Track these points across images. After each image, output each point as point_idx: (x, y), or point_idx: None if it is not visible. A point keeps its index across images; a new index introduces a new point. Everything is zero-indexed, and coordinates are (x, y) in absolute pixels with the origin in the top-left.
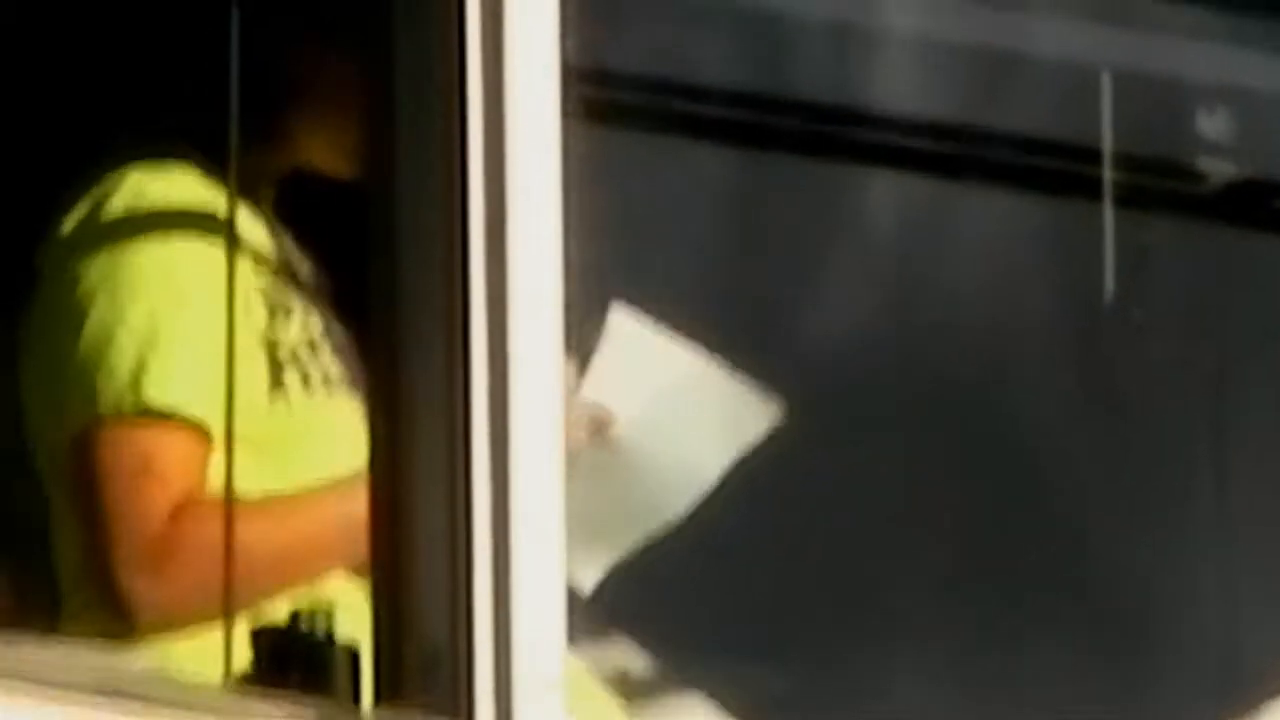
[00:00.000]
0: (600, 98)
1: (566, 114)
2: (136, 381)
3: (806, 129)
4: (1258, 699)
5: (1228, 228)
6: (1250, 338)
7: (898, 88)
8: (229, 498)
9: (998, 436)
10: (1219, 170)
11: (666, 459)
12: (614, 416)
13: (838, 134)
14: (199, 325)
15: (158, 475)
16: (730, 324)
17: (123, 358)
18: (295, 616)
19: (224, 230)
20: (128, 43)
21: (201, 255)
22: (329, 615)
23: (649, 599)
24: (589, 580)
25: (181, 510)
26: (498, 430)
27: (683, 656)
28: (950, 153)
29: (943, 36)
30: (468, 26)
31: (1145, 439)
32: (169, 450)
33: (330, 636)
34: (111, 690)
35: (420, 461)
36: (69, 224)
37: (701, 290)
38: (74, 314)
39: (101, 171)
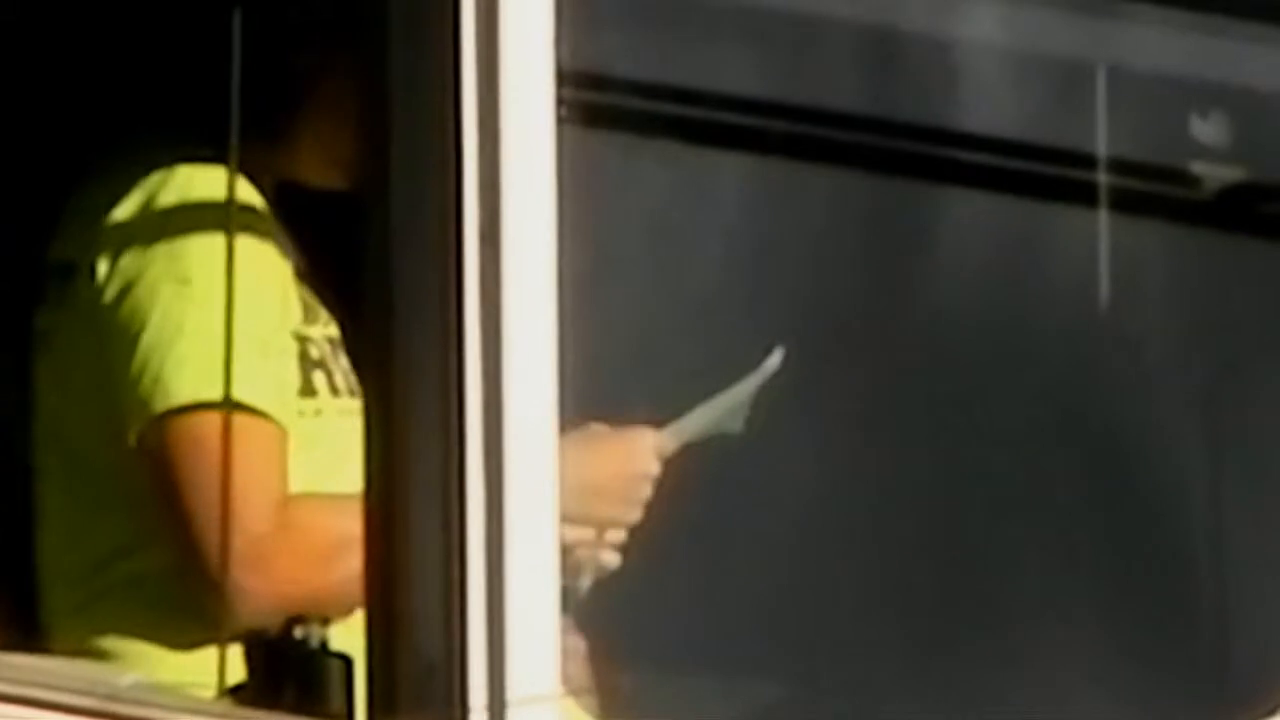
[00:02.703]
0: (595, 102)
1: (561, 118)
2: (214, 376)
3: (800, 131)
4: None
5: (1223, 232)
6: (1247, 344)
7: (900, 89)
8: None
9: (993, 440)
10: (1214, 175)
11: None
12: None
13: (830, 136)
14: (263, 323)
15: (262, 470)
16: (720, 329)
17: (197, 350)
18: (289, 627)
19: (270, 227)
20: (141, 44)
21: (257, 251)
22: (323, 626)
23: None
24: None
25: (283, 505)
26: (492, 442)
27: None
28: (957, 158)
29: (951, 38)
30: (462, 31)
31: (1140, 446)
32: (269, 445)
33: (324, 647)
34: (106, 703)
35: (415, 474)
36: (116, 218)
37: (696, 295)
38: (137, 308)
39: (131, 169)
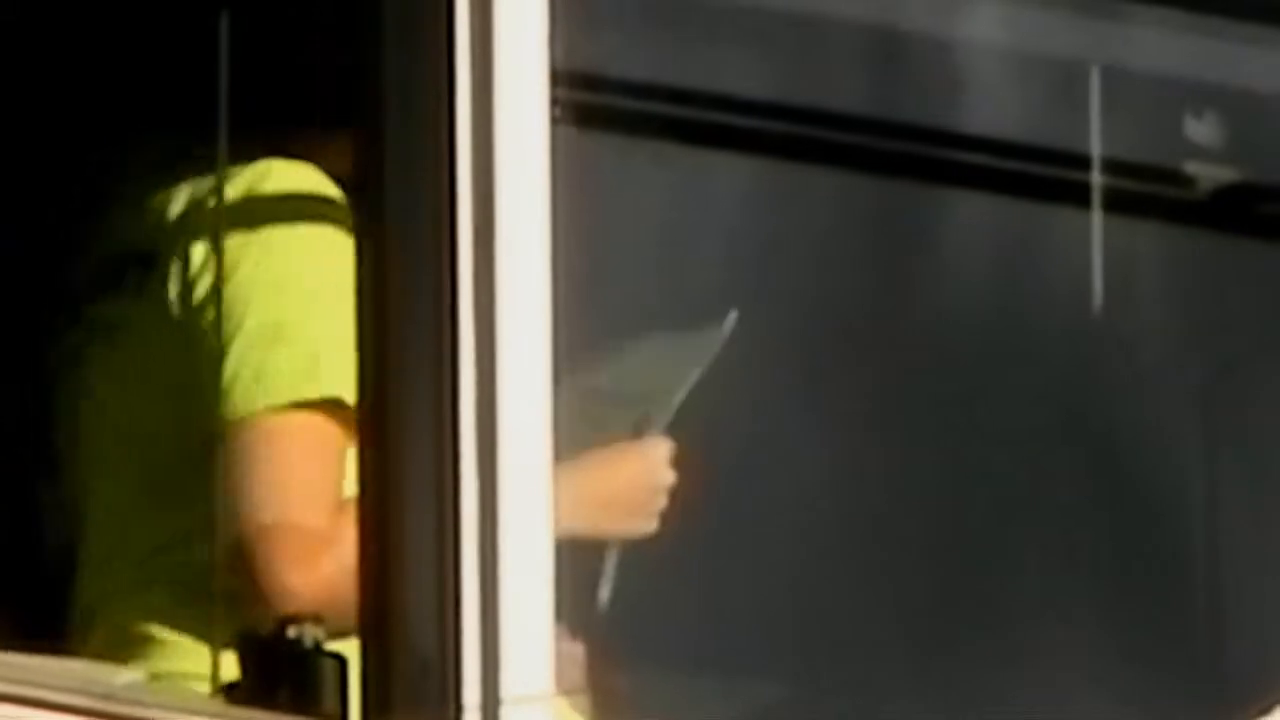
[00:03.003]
0: (589, 102)
1: (555, 119)
2: (315, 373)
3: (795, 131)
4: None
5: (1218, 233)
6: (1243, 344)
7: (896, 89)
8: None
9: (992, 440)
10: (1209, 175)
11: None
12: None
13: (825, 136)
14: (349, 322)
15: (335, 471)
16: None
17: (299, 349)
18: (283, 626)
19: (351, 223)
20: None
21: (346, 248)
22: (317, 626)
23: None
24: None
25: (344, 505)
26: (485, 440)
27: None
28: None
29: (946, 38)
30: (457, 31)
31: (1136, 448)
32: (343, 445)
33: (318, 646)
34: (101, 703)
35: (409, 472)
36: (205, 211)
37: (692, 297)
38: (233, 305)
39: (211, 164)
